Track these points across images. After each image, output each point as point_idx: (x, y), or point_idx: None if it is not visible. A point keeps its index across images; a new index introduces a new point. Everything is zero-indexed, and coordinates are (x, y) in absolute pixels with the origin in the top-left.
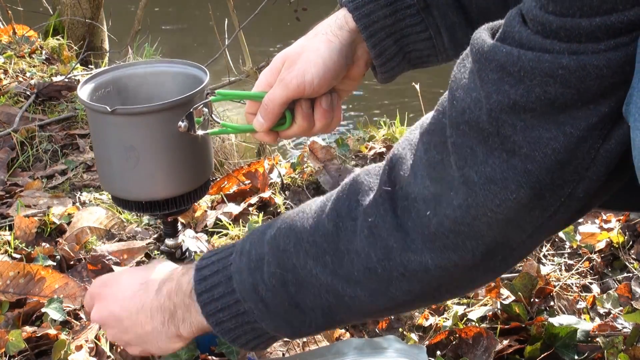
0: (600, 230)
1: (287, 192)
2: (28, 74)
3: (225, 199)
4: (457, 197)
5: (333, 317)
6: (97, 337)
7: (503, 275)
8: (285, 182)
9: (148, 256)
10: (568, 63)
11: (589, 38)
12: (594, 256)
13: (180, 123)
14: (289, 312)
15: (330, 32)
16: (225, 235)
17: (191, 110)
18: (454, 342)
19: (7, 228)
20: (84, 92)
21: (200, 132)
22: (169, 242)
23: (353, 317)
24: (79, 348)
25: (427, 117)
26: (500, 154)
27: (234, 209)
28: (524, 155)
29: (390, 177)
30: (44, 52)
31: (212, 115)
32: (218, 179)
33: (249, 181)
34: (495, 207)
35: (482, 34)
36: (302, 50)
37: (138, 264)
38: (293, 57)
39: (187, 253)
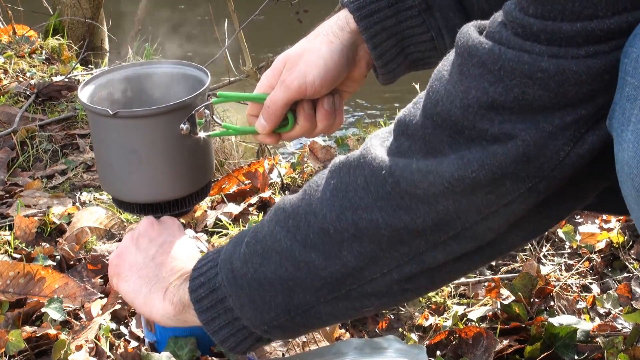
0: (600, 230)
1: (287, 192)
2: (28, 74)
3: (225, 199)
4: (418, 163)
5: (291, 295)
6: (97, 337)
7: (503, 275)
8: (285, 182)
9: None
10: (547, 66)
11: (569, 42)
12: (594, 256)
13: (182, 125)
14: (252, 286)
15: (332, 33)
16: (225, 235)
17: (193, 112)
18: (454, 342)
19: (7, 228)
20: (84, 94)
21: (202, 134)
22: None
23: (309, 295)
24: (79, 348)
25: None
26: (472, 143)
27: (234, 209)
28: (494, 141)
29: (360, 154)
30: (44, 52)
31: (214, 117)
32: (218, 179)
33: (249, 181)
34: (454, 180)
35: (469, 29)
36: (303, 51)
37: None
38: (294, 59)
39: None
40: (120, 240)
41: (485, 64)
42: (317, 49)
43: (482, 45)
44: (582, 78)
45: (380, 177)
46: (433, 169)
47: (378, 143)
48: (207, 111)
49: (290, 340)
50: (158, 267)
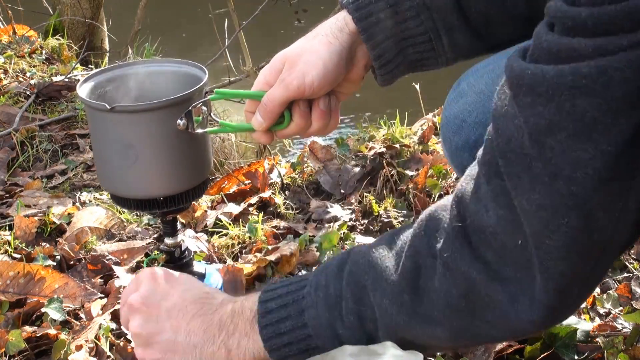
0: None
1: (287, 192)
2: (28, 74)
3: (225, 199)
4: (525, 224)
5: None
6: (97, 337)
7: None
8: (285, 182)
9: (147, 255)
10: (588, 71)
11: (614, 27)
12: None
13: (179, 121)
14: None
15: (331, 34)
16: (225, 235)
17: (190, 108)
18: None
19: (7, 228)
20: (83, 90)
21: (199, 131)
22: (169, 241)
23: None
24: (78, 348)
25: (480, 150)
26: (544, 179)
27: (234, 209)
28: (566, 177)
29: (459, 211)
30: (44, 52)
31: (211, 114)
32: (218, 179)
33: (249, 181)
34: (551, 233)
35: (512, 59)
36: (302, 51)
37: (138, 264)
38: (293, 58)
39: (186, 252)
40: (120, 240)
41: (534, 89)
42: (316, 50)
43: (525, 71)
44: (625, 74)
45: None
46: (531, 231)
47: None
48: (204, 108)
49: None
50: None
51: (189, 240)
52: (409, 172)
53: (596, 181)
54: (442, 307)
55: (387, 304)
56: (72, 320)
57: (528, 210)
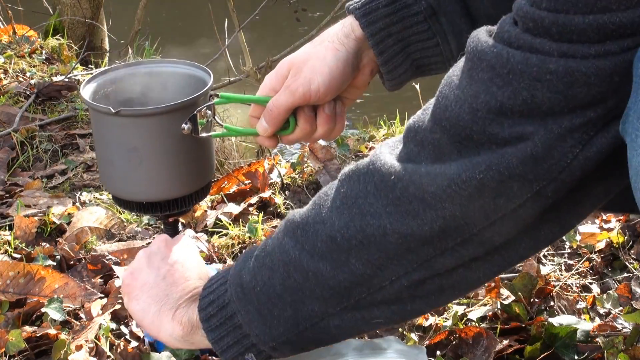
0: (600, 230)
1: (287, 192)
2: (28, 74)
3: (225, 198)
4: (427, 167)
5: (300, 307)
6: (97, 337)
7: (503, 275)
8: (285, 182)
9: None
10: (556, 68)
11: (579, 37)
12: (594, 256)
13: (183, 125)
14: (261, 299)
15: (337, 40)
16: (225, 235)
17: (195, 112)
18: (454, 342)
19: (7, 228)
20: (86, 92)
21: (203, 134)
22: None
23: (318, 306)
24: (79, 348)
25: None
26: (481, 148)
27: (234, 209)
28: (504, 144)
29: (369, 160)
30: (44, 52)
31: (215, 117)
32: (218, 179)
33: (249, 181)
34: (461, 182)
35: (479, 33)
36: (307, 57)
37: None
38: (299, 65)
39: None
40: (120, 240)
41: (494, 68)
42: (322, 56)
43: (491, 49)
44: (590, 80)
45: (390, 182)
46: (441, 172)
47: (387, 151)
48: (208, 112)
49: None
50: (169, 286)
51: (202, 260)
52: None
53: (528, 154)
54: (324, 238)
55: (287, 240)
56: (72, 320)
57: (449, 164)
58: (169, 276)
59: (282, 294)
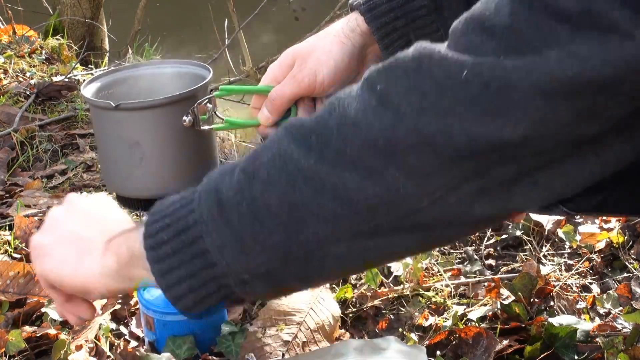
0: (600, 230)
1: None
2: (28, 74)
3: None
4: (514, 61)
5: (299, 230)
6: (97, 337)
7: (503, 275)
8: None
9: None
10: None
11: None
12: (594, 256)
13: (185, 118)
14: (245, 219)
15: (343, 34)
16: None
17: (195, 104)
18: (453, 342)
19: (7, 228)
20: (88, 91)
21: (205, 127)
22: None
23: (324, 229)
24: (78, 348)
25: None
26: (583, 34)
27: None
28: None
29: (415, 54)
30: (44, 52)
31: (216, 111)
32: None
33: None
34: (567, 78)
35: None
36: (313, 49)
37: None
38: (304, 55)
39: None
40: None
41: None
42: (328, 49)
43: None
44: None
45: (461, 78)
46: (536, 67)
47: (437, 45)
48: (209, 105)
49: (289, 340)
50: (90, 229)
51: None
52: None
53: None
54: (360, 143)
55: (294, 147)
56: None
57: (531, 69)
58: (90, 223)
59: (278, 213)
